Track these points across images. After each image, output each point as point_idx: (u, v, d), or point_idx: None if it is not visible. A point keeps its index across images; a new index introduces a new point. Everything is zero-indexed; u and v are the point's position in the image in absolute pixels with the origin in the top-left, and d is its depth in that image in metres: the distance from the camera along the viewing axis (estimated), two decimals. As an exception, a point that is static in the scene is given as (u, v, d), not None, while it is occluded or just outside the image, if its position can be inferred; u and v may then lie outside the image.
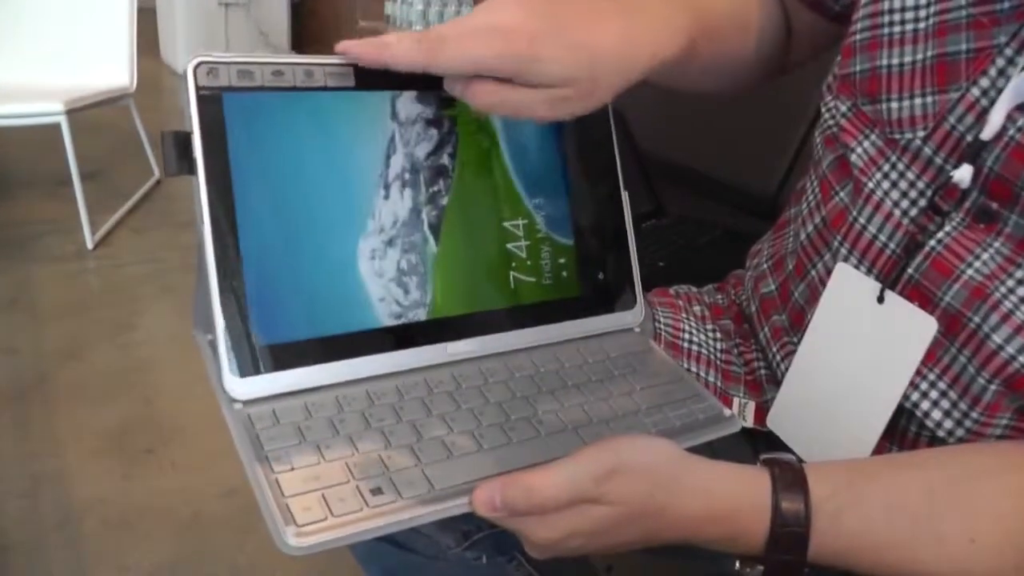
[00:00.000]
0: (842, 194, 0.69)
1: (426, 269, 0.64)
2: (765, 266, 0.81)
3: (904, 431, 0.65)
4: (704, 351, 0.81)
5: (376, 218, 0.63)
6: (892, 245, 0.64)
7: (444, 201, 0.66)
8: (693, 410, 0.68)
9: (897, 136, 0.63)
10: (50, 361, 2.03)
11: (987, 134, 0.57)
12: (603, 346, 0.72)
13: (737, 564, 0.58)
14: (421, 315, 0.64)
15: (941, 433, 0.62)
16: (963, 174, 0.58)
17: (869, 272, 0.66)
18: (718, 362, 0.80)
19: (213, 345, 0.58)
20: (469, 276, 0.67)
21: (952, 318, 0.60)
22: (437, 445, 0.59)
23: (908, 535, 0.53)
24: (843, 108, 0.70)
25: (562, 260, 0.71)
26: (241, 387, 0.58)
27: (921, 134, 0.62)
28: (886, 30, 0.65)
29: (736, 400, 0.77)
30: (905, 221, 0.63)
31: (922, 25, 0.62)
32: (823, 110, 0.74)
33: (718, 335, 0.82)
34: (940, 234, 0.61)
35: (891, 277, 0.64)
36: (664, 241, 1.31)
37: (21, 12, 2.99)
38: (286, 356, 0.59)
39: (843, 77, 0.70)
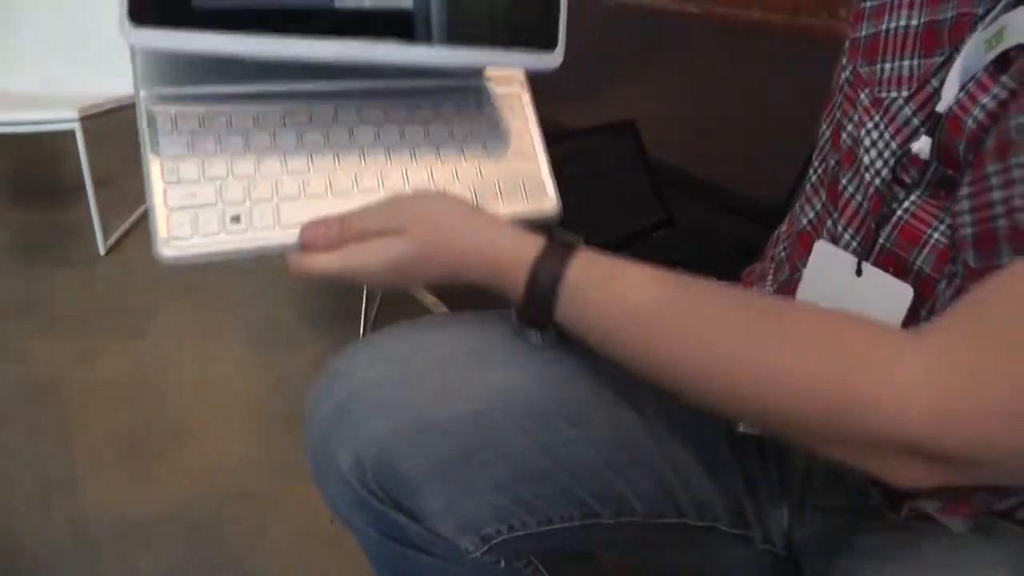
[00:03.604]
0: (832, 162, 0.72)
1: None
2: (783, 255, 0.82)
3: None
4: None
5: None
6: (866, 204, 0.67)
7: None
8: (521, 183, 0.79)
9: (883, 95, 0.66)
10: (62, 366, 2.05)
11: (942, 107, 0.59)
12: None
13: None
14: None
15: None
16: (922, 145, 0.61)
17: (853, 238, 0.68)
18: None
19: None
20: None
21: (924, 282, 0.61)
22: (295, 182, 0.70)
23: (638, 340, 0.61)
24: (846, 73, 0.72)
25: None
26: (135, 36, 0.61)
27: (905, 94, 0.64)
28: None
29: None
30: (877, 182, 0.65)
31: None
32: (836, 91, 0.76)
33: None
34: (907, 203, 0.63)
35: (866, 245, 0.66)
36: (674, 251, 1.32)
37: (36, 20, 3.01)
38: (187, 14, 0.61)
39: (852, 41, 0.72)
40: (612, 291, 0.62)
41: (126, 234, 2.84)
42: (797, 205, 0.80)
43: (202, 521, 1.57)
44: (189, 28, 0.62)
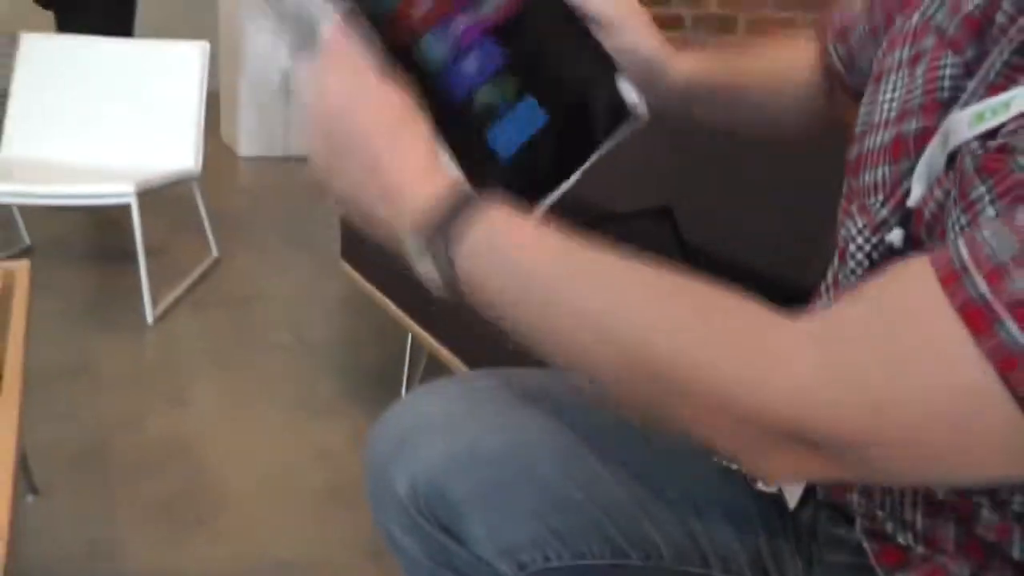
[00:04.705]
0: (836, 262, 0.77)
1: None
2: None
3: None
4: None
5: None
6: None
7: None
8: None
9: (867, 203, 0.72)
10: (108, 429, 2.10)
11: (912, 202, 0.64)
12: None
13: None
14: None
15: None
16: (895, 237, 0.66)
17: None
18: None
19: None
20: None
21: None
22: None
23: (518, 303, 0.59)
24: (844, 188, 0.78)
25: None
26: None
27: (881, 198, 0.70)
28: (875, 117, 0.74)
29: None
30: (859, 271, 0.71)
31: (894, 114, 0.72)
32: None
33: None
34: None
35: None
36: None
37: (97, 97, 3.16)
38: None
39: (847, 163, 0.78)
40: (513, 247, 0.60)
41: (174, 304, 2.92)
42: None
43: (239, 587, 1.59)
44: None
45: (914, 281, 0.50)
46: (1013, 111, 0.56)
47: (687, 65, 0.86)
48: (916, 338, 0.49)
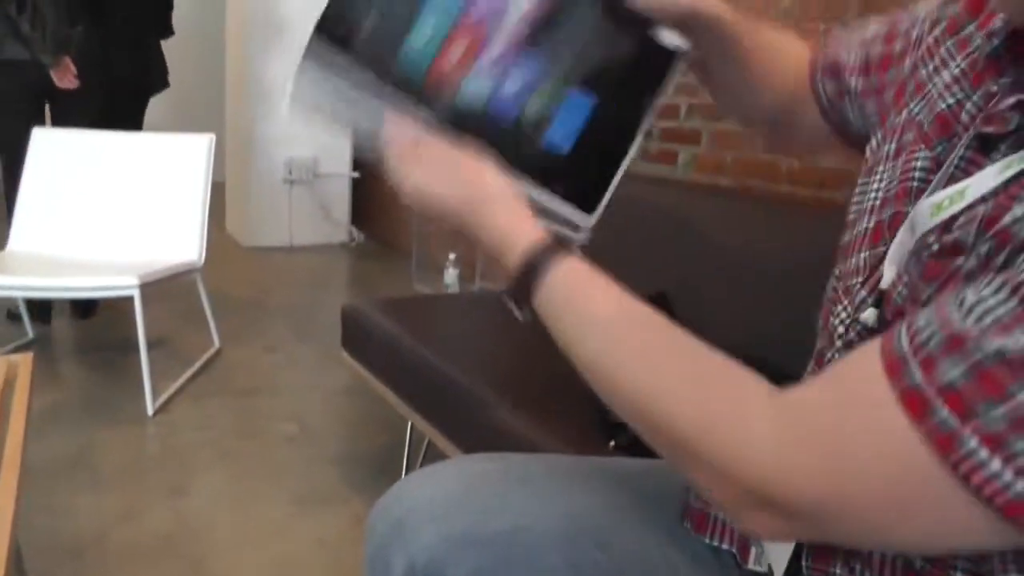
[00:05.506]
0: (826, 341, 0.80)
1: None
2: None
3: None
4: None
5: None
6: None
7: None
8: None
9: (850, 284, 0.76)
10: (107, 521, 2.09)
11: (884, 283, 0.70)
12: None
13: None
14: None
15: None
16: (869, 316, 0.71)
17: None
18: None
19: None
20: None
21: None
22: None
23: (580, 342, 0.70)
24: (834, 271, 0.82)
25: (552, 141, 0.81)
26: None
27: (860, 279, 0.74)
28: (865, 205, 0.78)
29: (754, 549, 0.83)
30: (839, 343, 0.75)
31: (878, 203, 0.76)
32: None
33: None
34: None
35: None
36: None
37: (102, 188, 3.22)
38: None
39: (839, 247, 0.82)
40: (578, 298, 0.71)
41: (174, 396, 2.93)
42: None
43: None
44: None
45: (865, 370, 0.57)
46: (968, 199, 0.61)
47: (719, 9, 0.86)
48: (862, 422, 0.55)
